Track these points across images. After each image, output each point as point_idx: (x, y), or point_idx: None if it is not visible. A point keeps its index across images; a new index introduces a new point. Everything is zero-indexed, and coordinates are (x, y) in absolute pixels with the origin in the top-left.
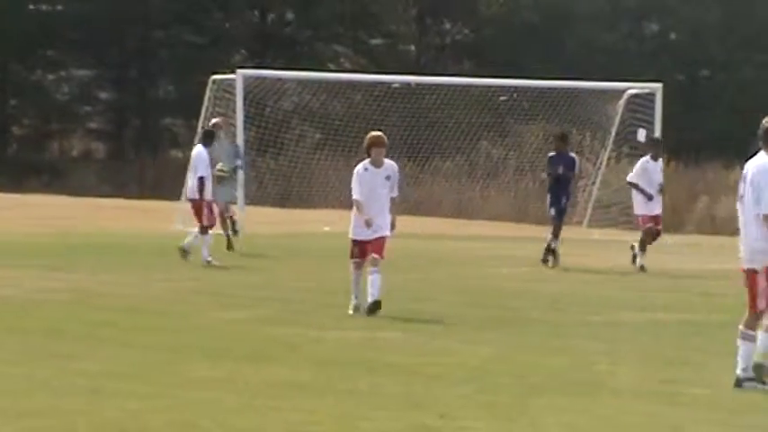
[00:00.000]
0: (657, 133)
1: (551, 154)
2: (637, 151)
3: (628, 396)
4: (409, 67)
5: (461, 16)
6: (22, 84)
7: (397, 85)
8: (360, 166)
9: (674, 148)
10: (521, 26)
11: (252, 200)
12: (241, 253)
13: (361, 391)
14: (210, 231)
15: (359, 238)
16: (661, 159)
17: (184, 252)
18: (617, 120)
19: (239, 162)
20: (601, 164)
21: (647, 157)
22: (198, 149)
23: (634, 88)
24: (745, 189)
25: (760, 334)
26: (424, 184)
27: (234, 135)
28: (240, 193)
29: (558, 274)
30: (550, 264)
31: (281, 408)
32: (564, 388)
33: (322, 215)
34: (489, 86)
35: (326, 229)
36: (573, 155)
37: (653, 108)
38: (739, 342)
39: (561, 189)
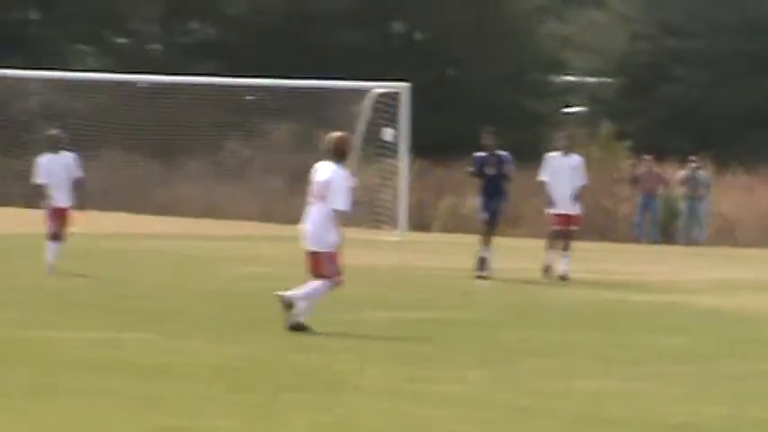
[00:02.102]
0: (404, 133)
1: (479, 154)
2: (383, 150)
3: (376, 394)
4: (155, 67)
5: (207, 16)
6: None
7: (142, 85)
8: None
9: (420, 147)
10: (266, 26)
11: None
12: None
13: (105, 391)
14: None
15: None
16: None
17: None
18: (363, 119)
19: None
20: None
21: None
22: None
23: (380, 87)
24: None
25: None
26: (171, 184)
27: None
28: None
29: (301, 272)
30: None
31: (25, 410)
32: (312, 387)
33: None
34: (235, 86)
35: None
36: (503, 153)
37: (399, 107)
38: None
39: (493, 191)
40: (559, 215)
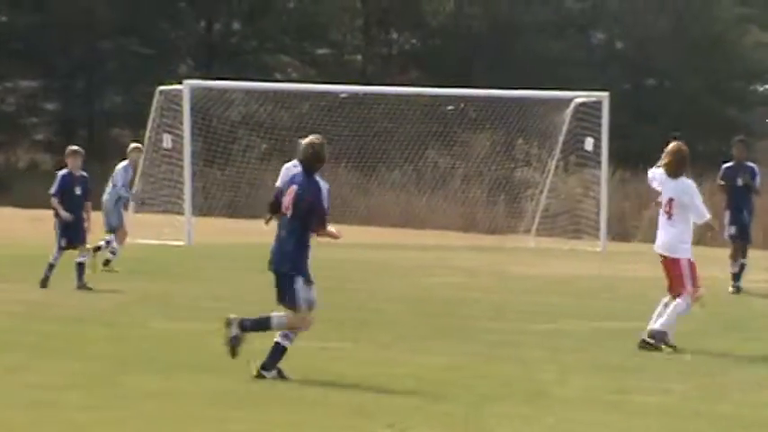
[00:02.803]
0: (604, 142)
1: (728, 164)
2: (584, 159)
3: (576, 404)
4: (356, 77)
5: (408, 26)
6: None
7: (344, 95)
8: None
9: (621, 156)
10: (467, 36)
11: (199, 210)
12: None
13: (310, 401)
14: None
15: None
16: None
17: None
18: (564, 128)
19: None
20: (548, 172)
21: None
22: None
23: (581, 97)
24: None
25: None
26: (371, 194)
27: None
28: (188, 204)
29: (501, 282)
30: (731, 290)
31: (228, 418)
32: (513, 397)
33: (269, 226)
34: (436, 96)
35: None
36: (752, 164)
37: (600, 117)
38: None
39: (742, 203)
40: None
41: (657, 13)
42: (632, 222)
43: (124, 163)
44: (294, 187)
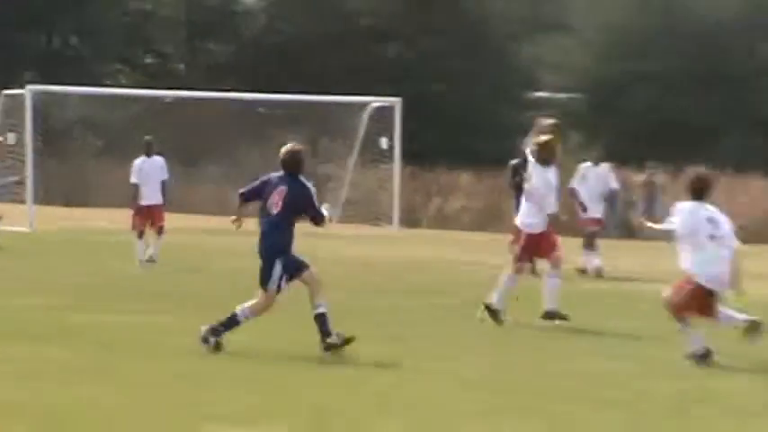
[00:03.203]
0: (397, 141)
1: (515, 162)
2: (379, 156)
3: (370, 371)
4: (180, 83)
5: (225, 39)
6: None
7: (168, 100)
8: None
9: (411, 154)
10: (277, 48)
11: (40, 200)
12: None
13: (141, 372)
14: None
15: None
16: (604, 165)
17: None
18: (363, 129)
19: None
20: (349, 168)
21: (588, 163)
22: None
23: (377, 102)
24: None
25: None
26: (193, 186)
27: None
28: (30, 194)
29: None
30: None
31: (64, 393)
32: (315, 364)
33: (102, 213)
34: (250, 100)
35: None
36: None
37: (393, 119)
38: None
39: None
40: (593, 218)
41: (444, 27)
42: (420, 212)
43: None
44: (284, 188)
